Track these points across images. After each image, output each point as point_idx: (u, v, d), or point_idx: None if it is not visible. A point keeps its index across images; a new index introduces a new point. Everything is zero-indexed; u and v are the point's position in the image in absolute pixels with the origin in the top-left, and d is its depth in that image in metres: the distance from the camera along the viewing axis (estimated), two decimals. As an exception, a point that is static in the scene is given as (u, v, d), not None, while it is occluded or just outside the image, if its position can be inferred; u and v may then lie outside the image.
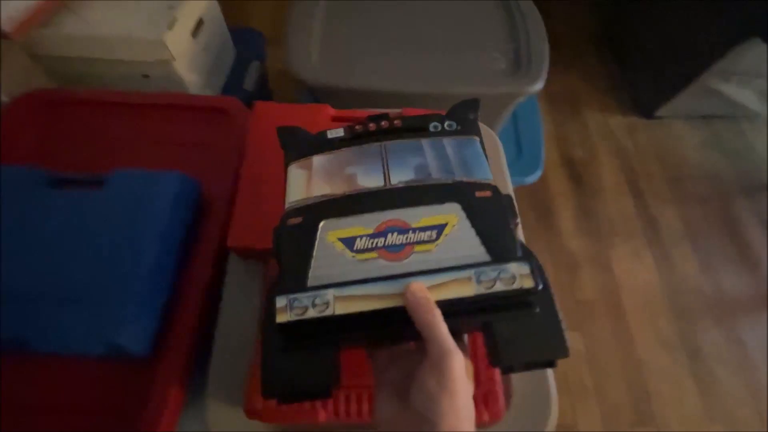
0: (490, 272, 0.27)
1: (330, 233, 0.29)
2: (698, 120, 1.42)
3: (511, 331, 0.27)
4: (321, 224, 0.30)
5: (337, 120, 0.54)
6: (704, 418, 0.97)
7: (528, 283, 0.26)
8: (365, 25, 0.77)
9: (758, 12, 1.06)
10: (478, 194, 0.30)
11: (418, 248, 0.28)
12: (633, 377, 1.01)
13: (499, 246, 0.28)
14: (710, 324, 1.08)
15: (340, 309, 0.26)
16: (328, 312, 0.26)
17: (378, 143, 0.34)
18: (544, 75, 0.69)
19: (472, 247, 0.28)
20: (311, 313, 0.26)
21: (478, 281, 0.26)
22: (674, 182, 1.30)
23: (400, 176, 0.32)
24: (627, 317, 1.09)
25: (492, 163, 0.52)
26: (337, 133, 0.36)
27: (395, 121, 0.35)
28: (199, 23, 0.84)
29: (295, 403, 0.29)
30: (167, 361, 0.41)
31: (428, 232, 0.29)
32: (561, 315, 0.28)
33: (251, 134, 0.50)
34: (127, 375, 0.41)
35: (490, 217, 0.29)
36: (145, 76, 0.80)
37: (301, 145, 0.36)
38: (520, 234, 0.50)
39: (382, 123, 0.35)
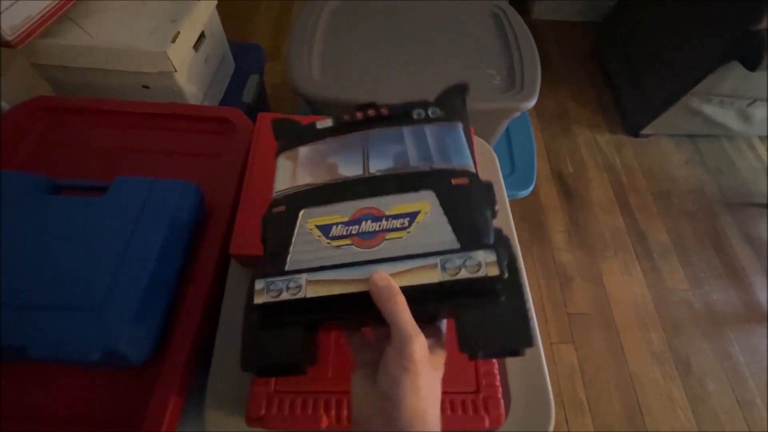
0: (456, 259, 0.27)
1: (309, 221, 0.31)
2: (683, 138, 1.47)
3: (478, 319, 0.27)
4: (301, 212, 0.31)
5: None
6: (695, 430, 0.98)
7: (493, 271, 0.26)
8: (364, 42, 0.79)
9: (737, 38, 1.11)
10: (454, 181, 0.30)
11: (390, 236, 0.29)
12: (625, 390, 1.02)
13: (470, 233, 0.28)
14: (699, 337, 1.10)
15: (312, 292, 0.28)
16: (300, 295, 0.28)
17: (360, 132, 0.35)
18: (537, 92, 0.72)
19: (443, 235, 0.28)
20: (285, 296, 0.28)
21: (444, 268, 0.27)
22: (661, 197, 1.34)
23: (379, 165, 0.32)
24: (619, 330, 1.10)
25: (488, 176, 0.54)
26: (325, 123, 0.37)
27: (382, 110, 0.35)
28: (201, 36, 0.85)
29: (271, 377, 0.33)
30: (166, 368, 0.40)
31: (400, 220, 0.29)
32: (530, 305, 0.29)
33: (254, 145, 0.51)
34: (126, 383, 0.41)
35: (465, 204, 0.30)
36: (146, 87, 0.81)
37: (291, 135, 0.38)
38: (513, 232, 0.50)
39: (369, 112, 0.35)
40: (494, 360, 0.39)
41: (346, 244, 0.29)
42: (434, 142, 0.33)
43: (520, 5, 1.38)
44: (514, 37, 0.80)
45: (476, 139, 0.57)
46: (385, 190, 0.31)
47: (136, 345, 0.38)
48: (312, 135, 0.36)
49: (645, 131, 1.43)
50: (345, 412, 0.35)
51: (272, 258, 0.31)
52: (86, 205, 0.44)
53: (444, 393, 0.36)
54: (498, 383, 0.37)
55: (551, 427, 0.41)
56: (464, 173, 0.31)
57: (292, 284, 0.28)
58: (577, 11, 1.74)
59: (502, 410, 0.36)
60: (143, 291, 0.40)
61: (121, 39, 0.75)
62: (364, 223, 0.30)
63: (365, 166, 0.32)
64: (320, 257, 0.29)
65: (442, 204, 0.30)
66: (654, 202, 1.33)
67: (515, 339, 0.27)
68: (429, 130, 0.34)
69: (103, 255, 0.41)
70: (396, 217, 0.29)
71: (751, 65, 1.09)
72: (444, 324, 0.32)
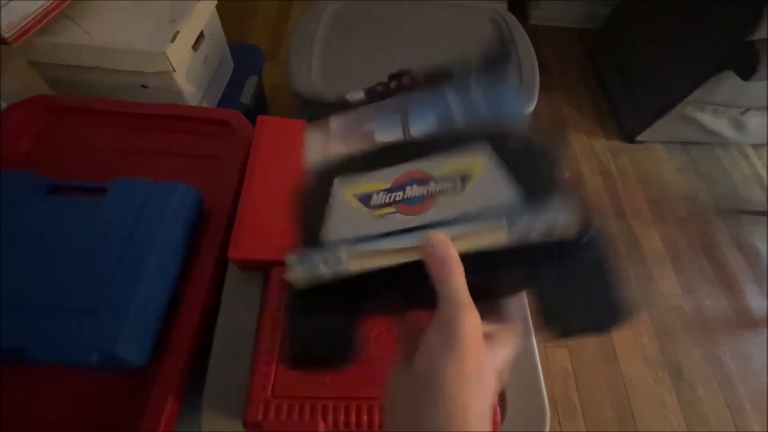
0: (525, 219, 0.23)
1: (345, 190, 0.28)
2: (676, 145, 1.49)
3: (557, 292, 0.23)
4: (335, 182, 0.28)
5: (338, 135, 0.55)
6: (686, 435, 0.99)
7: (570, 231, 0.22)
8: (364, 46, 0.79)
9: (731, 47, 1.13)
10: (510, 137, 0.26)
11: (440, 199, 0.25)
12: (617, 394, 1.03)
13: (537, 191, 0.24)
14: (691, 343, 1.11)
15: (354, 266, 0.24)
16: (341, 269, 0.25)
17: (397, 97, 0.31)
18: (536, 96, 0.73)
19: (505, 193, 0.24)
20: (322, 270, 0.25)
21: (511, 229, 0.23)
22: (655, 204, 1.35)
23: (421, 127, 0.29)
24: (611, 336, 1.11)
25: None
26: (357, 95, 0.33)
27: (418, 77, 0.32)
28: (200, 37, 0.85)
29: (311, 372, 0.27)
30: (163, 371, 0.40)
31: (452, 182, 0.26)
32: (623, 273, 0.24)
33: (255, 148, 0.51)
34: (124, 385, 0.41)
35: (526, 161, 0.25)
36: (144, 87, 0.81)
37: (320, 108, 0.35)
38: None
39: (404, 80, 0.32)
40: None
41: (390, 213, 0.26)
42: (483, 100, 0.29)
43: (518, 11, 1.39)
44: (512, 43, 0.81)
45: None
46: (429, 152, 0.27)
47: (134, 348, 0.39)
48: (343, 106, 0.33)
49: (639, 138, 1.44)
50: (342, 417, 0.36)
51: (305, 233, 0.28)
52: (85, 206, 0.44)
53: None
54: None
55: (547, 429, 0.42)
56: (520, 129, 0.27)
57: (330, 258, 0.25)
58: (575, 18, 1.75)
59: (498, 415, 0.37)
60: (141, 294, 0.40)
61: (120, 38, 0.75)
62: (408, 188, 0.26)
63: (405, 131, 0.29)
64: (361, 228, 0.26)
65: (501, 158, 0.25)
66: (648, 208, 1.34)
67: (606, 315, 0.23)
68: (475, 89, 0.30)
69: (101, 257, 0.41)
70: (446, 179, 0.26)
71: (746, 74, 1.10)
72: (512, 310, 0.28)
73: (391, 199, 0.26)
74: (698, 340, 1.12)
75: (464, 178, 0.26)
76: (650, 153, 1.47)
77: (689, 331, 1.13)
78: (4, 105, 0.61)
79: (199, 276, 0.46)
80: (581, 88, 1.60)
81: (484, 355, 0.22)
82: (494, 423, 0.36)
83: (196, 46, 0.84)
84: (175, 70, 0.77)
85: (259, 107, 1.08)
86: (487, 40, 0.83)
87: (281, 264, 0.30)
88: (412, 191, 0.26)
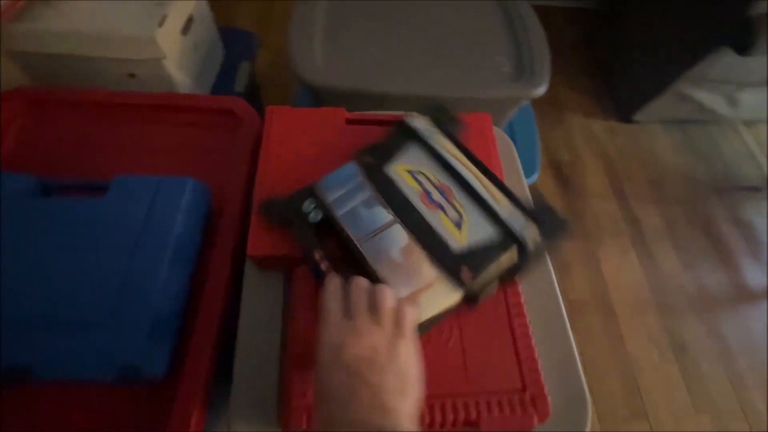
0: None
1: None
2: (673, 124, 1.49)
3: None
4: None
5: (351, 123, 0.52)
6: (691, 410, 1.01)
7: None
8: (368, 28, 0.75)
9: (728, 23, 1.12)
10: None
11: (439, 213, 0.40)
12: (625, 373, 1.04)
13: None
14: (693, 319, 1.13)
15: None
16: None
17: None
18: (548, 78, 0.70)
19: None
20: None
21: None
22: (654, 184, 1.36)
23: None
24: (617, 315, 1.12)
25: (507, 164, 0.53)
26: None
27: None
28: (189, 20, 0.80)
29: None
30: (186, 381, 0.37)
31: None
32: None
33: (266, 139, 0.48)
34: (142, 399, 0.37)
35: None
36: (131, 75, 0.75)
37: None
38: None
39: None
40: (536, 356, 0.38)
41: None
42: None
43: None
44: (521, 23, 0.78)
45: (495, 130, 0.55)
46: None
47: (154, 360, 0.35)
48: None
49: (637, 117, 1.44)
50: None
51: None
52: (85, 207, 0.40)
53: (490, 393, 0.35)
54: (542, 379, 0.36)
55: (588, 423, 0.41)
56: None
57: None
58: (569, -3, 1.72)
59: (549, 406, 0.35)
60: (157, 301, 0.37)
61: (103, 23, 0.69)
62: (435, 192, 0.41)
63: None
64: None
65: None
66: (647, 188, 1.35)
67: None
68: None
69: (110, 263, 0.37)
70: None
71: (743, 50, 1.10)
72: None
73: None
74: (700, 316, 1.14)
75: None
76: (647, 133, 1.46)
77: (691, 307, 1.15)
78: (-18, 98, 0.55)
79: (215, 277, 0.43)
80: (577, 69, 1.58)
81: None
82: (544, 416, 0.35)
83: (185, 30, 0.78)
84: (165, 57, 0.72)
85: (252, 95, 1.03)
86: (494, 20, 0.80)
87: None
88: (435, 196, 0.41)
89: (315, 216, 0.39)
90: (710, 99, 1.36)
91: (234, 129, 0.55)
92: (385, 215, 0.39)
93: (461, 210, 0.40)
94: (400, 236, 0.37)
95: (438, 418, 0.33)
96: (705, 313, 1.14)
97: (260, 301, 0.43)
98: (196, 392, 0.37)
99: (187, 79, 0.81)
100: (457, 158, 0.43)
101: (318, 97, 0.70)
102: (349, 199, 0.40)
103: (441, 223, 0.39)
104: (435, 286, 0.35)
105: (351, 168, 0.42)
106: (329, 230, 0.39)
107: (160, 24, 0.70)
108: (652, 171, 1.38)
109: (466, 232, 0.38)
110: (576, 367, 0.43)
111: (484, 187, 0.41)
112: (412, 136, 0.45)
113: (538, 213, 0.40)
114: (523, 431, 0.35)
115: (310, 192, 0.41)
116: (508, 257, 0.38)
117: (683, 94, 1.33)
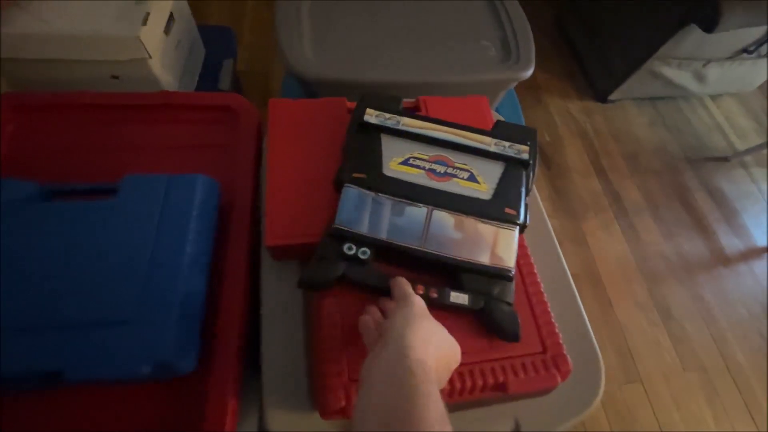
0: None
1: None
2: (645, 101, 1.55)
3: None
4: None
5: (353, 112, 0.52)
6: (680, 369, 1.07)
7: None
8: (354, 17, 0.76)
9: (695, 1, 1.17)
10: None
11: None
12: (617, 340, 1.10)
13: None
14: (675, 285, 1.19)
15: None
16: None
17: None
18: (533, 59, 0.73)
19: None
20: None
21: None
22: (630, 158, 1.41)
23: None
24: (605, 285, 1.17)
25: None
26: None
27: None
28: (170, 19, 0.78)
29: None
30: (217, 371, 0.38)
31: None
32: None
33: (272, 132, 0.48)
34: (172, 394, 0.38)
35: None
36: (115, 77, 0.74)
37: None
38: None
39: None
40: (553, 319, 0.40)
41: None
42: None
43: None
44: (502, 7, 0.80)
45: (492, 113, 0.57)
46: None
47: (184, 353, 0.36)
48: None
49: (612, 97, 1.49)
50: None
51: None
52: (100, 208, 0.40)
53: (515, 357, 0.37)
54: (561, 341, 0.38)
55: (603, 378, 0.44)
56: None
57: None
58: (539, -19, 1.75)
59: (570, 365, 0.37)
60: (182, 296, 0.37)
61: (83, 24, 0.67)
62: (437, 165, 0.44)
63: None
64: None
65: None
66: (624, 164, 1.40)
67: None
68: None
69: (131, 261, 0.37)
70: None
71: (709, 27, 1.15)
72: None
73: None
74: (682, 281, 1.20)
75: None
76: (622, 111, 1.52)
77: (673, 274, 1.21)
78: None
79: (234, 269, 0.43)
80: (553, 53, 1.62)
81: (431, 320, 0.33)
82: (566, 374, 0.37)
83: (167, 29, 0.77)
84: (150, 57, 0.70)
85: (236, 92, 1.01)
86: (477, 5, 0.81)
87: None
88: (440, 169, 0.43)
89: (364, 253, 0.38)
90: (679, 75, 1.42)
91: (232, 125, 0.55)
92: (418, 210, 0.40)
93: (467, 167, 0.43)
94: (443, 218, 0.40)
95: (468, 383, 0.35)
96: (686, 278, 1.21)
97: (280, 287, 0.43)
98: (228, 384, 0.37)
99: (172, 79, 0.80)
100: (431, 128, 0.45)
101: (311, 89, 0.70)
102: (379, 219, 0.39)
103: (461, 187, 0.42)
104: (499, 237, 0.39)
105: (351, 192, 0.41)
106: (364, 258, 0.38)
107: (144, 22, 0.68)
108: (628, 146, 1.44)
109: (483, 180, 0.43)
110: (586, 328, 0.46)
111: (468, 138, 0.45)
112: (375, 129, 0.45)
113: (513, 133, 0.47)
114: (546, 389, 0.37)
115: (338, 235, 0.38)
116: (523, 176, 0.44)
117: (654, 71, 1.39)
